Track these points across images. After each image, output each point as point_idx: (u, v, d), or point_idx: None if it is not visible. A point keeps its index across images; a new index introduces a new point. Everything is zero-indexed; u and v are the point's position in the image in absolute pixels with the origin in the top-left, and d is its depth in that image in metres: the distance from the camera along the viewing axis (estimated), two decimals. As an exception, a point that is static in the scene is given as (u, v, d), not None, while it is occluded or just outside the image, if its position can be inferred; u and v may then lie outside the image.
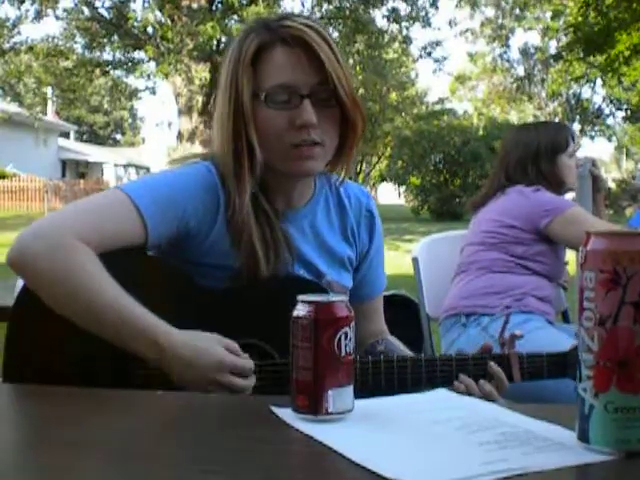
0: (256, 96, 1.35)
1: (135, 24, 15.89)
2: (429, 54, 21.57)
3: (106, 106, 40.51)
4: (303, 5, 17.55)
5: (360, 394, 0.99)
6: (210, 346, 1.20)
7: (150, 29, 16.05)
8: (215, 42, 15.74)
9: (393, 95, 29.65)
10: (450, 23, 26.86)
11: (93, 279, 1.22)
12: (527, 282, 2.46)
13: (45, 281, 1.24)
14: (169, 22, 15.60)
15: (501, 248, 2.49)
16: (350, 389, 0.96)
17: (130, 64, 18.25)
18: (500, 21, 32.20)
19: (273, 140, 1.36)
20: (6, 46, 17.80)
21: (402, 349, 1.55)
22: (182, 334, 1.20)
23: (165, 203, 1.33)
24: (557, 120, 29.37)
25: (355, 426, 0.93)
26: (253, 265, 1.36)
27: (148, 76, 17.41)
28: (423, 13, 18.29)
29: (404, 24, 18.30)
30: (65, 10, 17.80)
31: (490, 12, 32.12)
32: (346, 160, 1.45)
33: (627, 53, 15.88)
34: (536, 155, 2.57)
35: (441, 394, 1.12)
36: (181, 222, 1.35)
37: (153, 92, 20.48)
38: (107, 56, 18.39)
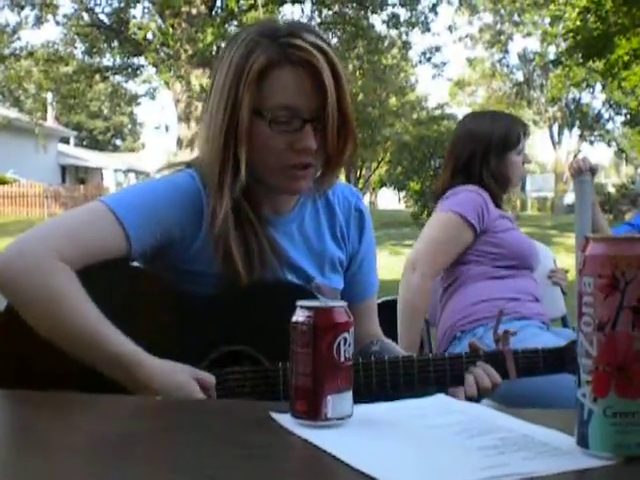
0: (257, 113, 1.34)
1: (135, 31, 15.90)
2: (428, 59, 21.63)
3: (106, 111, 40.51)
4: (303, 11, 17.58)
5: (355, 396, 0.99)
6: (185, 381, 1.21)
7: (150, 35, 16.07)
8: (215, 48, 15.75)
9: (393, 100, 29.66)
10: (449, 29, 26.88)
11: (71, 302, 1.23)
12: (507, 284, 2.42)
13: (23, 300, 1.25)
14: (170, 29, 15.60)
15: (460, 263, 2.46)
16: (349, 394, 0.96)
17: (130, 70, 18.28)
18: (499, 27, 32.25)
19: (269, 159, 1.36)
20: (6, 52, 17.83)
21: (398, 350, 1.55)
22: (157, 366, 1.21)
23: (147, 213, 1.34)
24: (557, 121, 29.37)
25: (354, 431, 0.93)
26: (232, 273, 1.35)
27: (150, 82, 17.48)
28: (422, 19, 18.32)
29: (403, 29, 18.34)
30: (65, 16, 17.84)
31: (489, 18, 32.19)
32: (334, 172, 1.47)
33: (626, 58, 15.90)
34: (487, 148, 2.48)
35: (440, 399, 1.12)
36: (164, 231, 1.35)
37: (152, 97, 20.52)
38: (107, 62, 18.45)
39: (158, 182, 1.45)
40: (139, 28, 15.97)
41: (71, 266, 1.25)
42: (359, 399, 0.99)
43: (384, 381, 1.34)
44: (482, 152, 2.49)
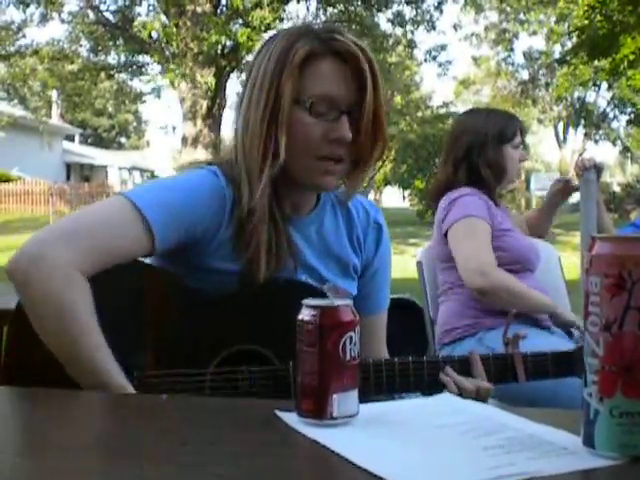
0: (297, 101, 1.35)
1: (141, 29, 15.91)
2: (434, 58, 21.57)
3: (111, 109, 40.53)
4: (308, 9, 17.55)
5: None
6: None
7: (155, 34, 16.08)
8: (220, 47, 15.74)
9: (398, 98, 29.61)
10: (455, 27, 26.77)
11: (76, 323, 1.19)
12: None
13: (32, 305, 1.23)
14: (174, 27, 15.61)
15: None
16: (355, 393, 0.96)
17: (135, 67, 18.31)
18: (504, 25, 32.16)
19: (302, 148, 1.36)
20: (11, 49, 17.87)
21: None
22: None
23: (172, 210, 1.31)
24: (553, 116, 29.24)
25: (360, 430, 0.93)
26: (254, 269, 1.34)
27: (155, 81, 17.52)
28: (428, 17, 18.29)
29: (409, 28, 18.30)
30: (70, 14, 17.87)
31: (494, 16, 32.10)
32: (360, 174, 1.46)
33: (632, 57, 15.84)
34: (484, 142, 2.51)
35: (446, 398, 1.12)
36: (188, 228, 1.33)
37: (158, 95, 20.52)
38: (112, 60, 18.48)
39: (181, 179, 1.43)
40: (143, 26, 15.98)
41: (91, 271, 1.23)
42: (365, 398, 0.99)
43: (381, 384, 1.35)
44: (479, 144, 2.52)
